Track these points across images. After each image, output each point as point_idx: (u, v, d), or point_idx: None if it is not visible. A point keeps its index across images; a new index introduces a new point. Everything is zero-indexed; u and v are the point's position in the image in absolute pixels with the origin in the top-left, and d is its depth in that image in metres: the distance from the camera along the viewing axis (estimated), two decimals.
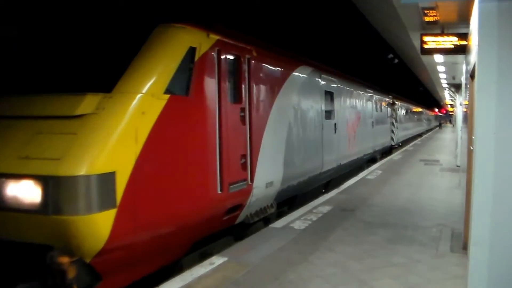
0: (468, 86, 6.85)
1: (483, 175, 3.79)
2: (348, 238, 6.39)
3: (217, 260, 5.42)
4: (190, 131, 5.44)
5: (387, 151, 22.00)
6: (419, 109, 43.07)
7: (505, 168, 3.72)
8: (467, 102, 7.57)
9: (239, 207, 6.53)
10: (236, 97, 6.50)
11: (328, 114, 11.05)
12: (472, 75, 5.09)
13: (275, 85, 7.84)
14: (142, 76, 4.87)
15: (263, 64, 7.37)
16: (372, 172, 13.93)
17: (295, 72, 8.88)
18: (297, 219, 7.49)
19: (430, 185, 11.17)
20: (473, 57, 4.56)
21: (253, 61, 6.89)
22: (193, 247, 5.89)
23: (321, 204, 8.76)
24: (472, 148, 4.53)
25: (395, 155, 19.91)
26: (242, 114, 6.55)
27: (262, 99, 7.30)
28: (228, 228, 6.65)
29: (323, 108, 10.54)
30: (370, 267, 5.22)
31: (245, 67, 6.66)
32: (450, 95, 27.19)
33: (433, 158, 18.16)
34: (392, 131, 22.77)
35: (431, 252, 5.72)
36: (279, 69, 8.13)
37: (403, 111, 28.71)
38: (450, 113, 61.66)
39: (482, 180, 3.80)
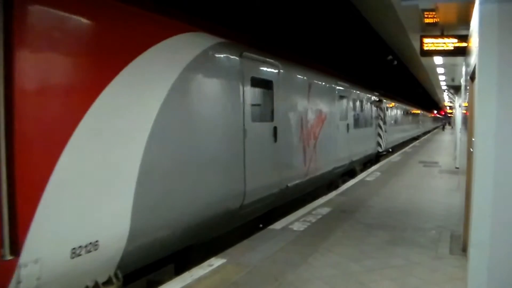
0: (467, 88, 6.85)
1: (483, 177, 3.79)
2: (347, 240, 6.37)
3: (216, 262, 5.40)
4: None
5: (373, 159, 18.25)
6: (415, 110, 41.16)
7: (505, 170, 3.72)
8: (466, 104, 7.58)
9: None
10: None
11: (260, 114, 7.78)
12: (472, 77, 5.09)
13: (108, 59, 4.33)
14: None
15: (71, 17, 3.97)
16: (371, 173, 13.92)
17: (169, 41, 5.25)
18: (296, 221, 7.47)
19: (429, 187, 11.16)
20: (473, 58, 4.56)
21: (32, 5, 3.60)
22: None
23: (320, 206, 8.74)
24: (472, 150, 4.53)
25: (394, 157, 19.90)
26: None
27: (61, 83, 3.86)
28: None
29: (247, 104, 6.87)
30: (369, 268, 5.21)
31: None
32: (449, 96, 27.26)
33: (432, 160, 18.16)
34: (379, 135, 19.10)
35: (430, 254, 5.71)
36: (124, 32, 4.59)
37: (395, 112, 25.43)
38: (449, 115, 61.73)
39: (482, 182, 3.80)
